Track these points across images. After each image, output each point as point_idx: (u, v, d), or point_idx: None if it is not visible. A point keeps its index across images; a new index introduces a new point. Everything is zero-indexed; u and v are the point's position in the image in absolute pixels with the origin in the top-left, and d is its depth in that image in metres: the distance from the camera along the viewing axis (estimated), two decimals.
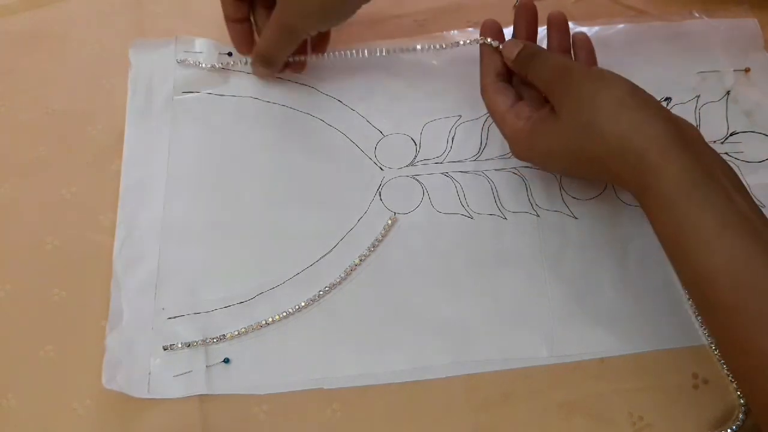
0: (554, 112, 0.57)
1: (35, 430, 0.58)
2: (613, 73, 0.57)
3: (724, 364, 0.58)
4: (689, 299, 0.60)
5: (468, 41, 0.67)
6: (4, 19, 0.76)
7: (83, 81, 0.73)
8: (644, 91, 0.55)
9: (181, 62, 0.71)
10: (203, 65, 0.71)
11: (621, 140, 0.52)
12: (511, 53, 0.62)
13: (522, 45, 0.62)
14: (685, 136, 0.52)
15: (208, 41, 0.72)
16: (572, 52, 0.65)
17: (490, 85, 0.63)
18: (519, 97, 0.62)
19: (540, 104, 0.61)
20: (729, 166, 0.53)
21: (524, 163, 0.66)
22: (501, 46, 0.64)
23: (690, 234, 0.49)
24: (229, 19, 0.68)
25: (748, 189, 0.62)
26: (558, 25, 0.65)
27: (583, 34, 0.65)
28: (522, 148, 0.61)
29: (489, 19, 0.65)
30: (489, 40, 0.64)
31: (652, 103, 0.54)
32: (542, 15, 0.69)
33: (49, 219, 0.65)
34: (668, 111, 0.54)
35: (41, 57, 0.74)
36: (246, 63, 0.71)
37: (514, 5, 0.71)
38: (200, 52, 0.72)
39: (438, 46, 0.69)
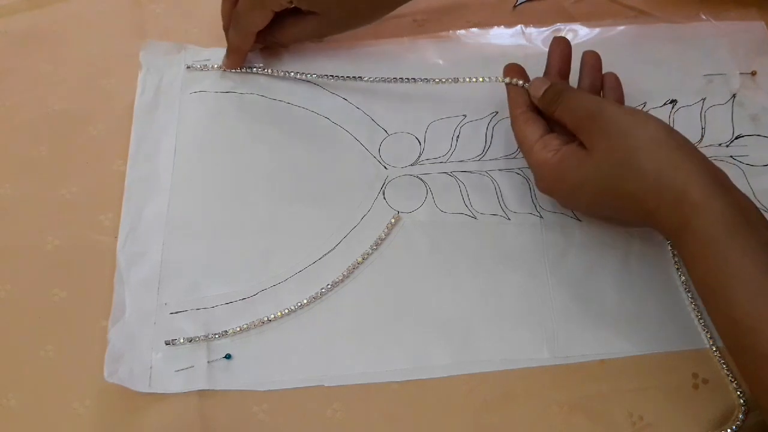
0: (584, 147, 0.60)
1: (35, 430, 0.60)
2: (647, 113, 0.59)
3: (724, 364, 0.61)
4: (711, 338, 0.62)
5: (490, 79, 0.69)
6: (4, 19, 0.80)
7: (83, 81, 0.76)
8: (679, 133, 0.57)
9: (190, 67, 0.76)
10: (211, 67, 0.76)
11: (659, 177, 0.55)
12: (538, 91, 0.64)
13: (549, 83, 0.64)
14: (721, 179, 0.55)
15: (215, 50, 0.77)
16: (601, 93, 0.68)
17: (520, 115, 0.65)
18: (550, 129, 0.64)
19: (570, 137, 0.63)
20: (760, 210, 0.55)
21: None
22: (528, 84, 0.66)
23: (731, 277, 0.51)
24: (235, 51, 0.74)
25: (753, 194, 0.66)
26: (591, 66, 0.68)
27: (613, 75, 0.68)
28: (549, 180, 0.63)
29: (511, 64, 0.68)
30: (514, 80, 0.67)
31: (689, 144, 0.57)
32: (543, 15, 0.73)
33: (49, 219, 0.68)
34: (703, 153, 0.57)
35: (41, 57, 0.78)
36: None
37: (515, 6, 0.75)
38: (208, 59, 0.76)
39: (458, 80, 0.71)
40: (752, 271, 0.51)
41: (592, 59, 0.68)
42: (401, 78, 0.72)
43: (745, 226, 0.52)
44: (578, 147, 0.61)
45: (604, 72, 0.68)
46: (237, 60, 0.74)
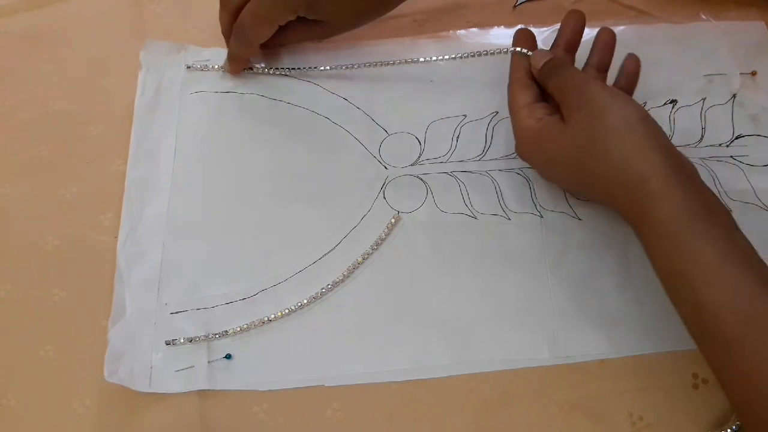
0: (563, 120, 0.61)
1: (35, 430, 0.61)
2: (629, 97, 0.61)
3: None
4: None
5: (499, 51, 0.70)
6: (4, 19, 0.80)
7: (83, 81, 0.77)
8: (654, 121, 0.59)
9: (190, 67, 0.76)
10: (211, 68, 0.76)
11: (623, 163, 0.56)
12: (539, 63, 0.66)
13: (551, 56, 0.66)
14: (686, 171, 0.56)
15: (215, 50, 0.77)
16: (614, 76, 0.68)
17: (518, 79, 0.67)
18: (543, 100, 0.66)
19: (558, 110, 0.64)
20: (724, 205, 0.56)
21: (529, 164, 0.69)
22: (532, 54, 0.67)
23: (691, 265, 0.53)
24: (237, 60, 0.75)
25: (754, 193, 0.67)
26: (604, 43, 0.68)
27: (634, 61, 0.67)
28: (526, 147, 0.65)
29: (523, 28, 0.69)
30: (520, 49, 0.68)
31: (660, 134, 0.58)
32: (543, 15, 0.73)
33: (49, 219, 0.69)
34: (672, 145, 0.58)
35: (41, 57, 0.78)
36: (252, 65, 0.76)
37: (515, 6, 0.75)
38: (208, 60, 0.77)
39: (467, 55, 0.72)
40: (710, 259, 0.52)
41: (606, 36, 0.68)
42: (405, 60, 0.73)
43: (705, 216, 0.54)
44: (558, 120, 0.62)
45: (628, 53, 0.68)
46: (239, 67, 0.75)
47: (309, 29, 0.72)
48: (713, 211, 0.54)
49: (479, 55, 0.71)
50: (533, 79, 0.67)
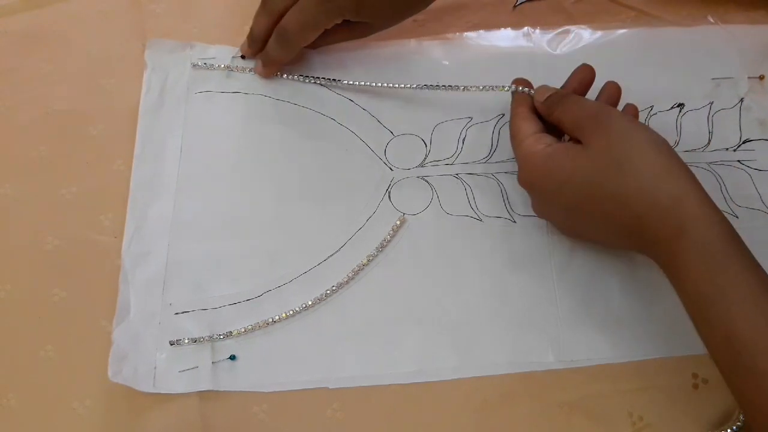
0: (580, 143, 0.62)
1: (35, 430, 0.62)
2: (644, 124, 0.62)
3: None
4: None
5: (501, 88, 0.71)
6: (4, 19, 0.81)
7: (83, 81, 0.78)
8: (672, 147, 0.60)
9: (195, 65, 0.77)
10: (217, 67, 0.77)
11: (656, 181, 0.56)
12: (542, 96, 0.66)
13: (555, 89, 0.67)
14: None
15: (221, 47, 0.78)
16: None
17: (519, 114, 0.67)
18: (545, 131, 0.66)
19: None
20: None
21: None
22: (533, 91, 0.68)
23: (729, 288, 0.52)
24: (275, 63, 0.76)
25: (760, 198, 0.68)
26: (609, 95, 0.68)
27: (634, 107, 0.68)
28: (533, 172, 0.64)
29: (519, 78, 0.70)
30: (521, 88, 0.69)
31: (680, 158, 0.58)
32: (543, 15, 0.74)
33: (49, 219, 0.70)
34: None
35: (41, 57, 0.79)
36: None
37: (514, 6, 0.77)
38: (213, 58, 0.78)
39: (469, 88, 0.73)
40: (747, 287, 0.52)
41: (612, 89, 0.68)
42: (409, 85, 0.74)
43: (738, 240, 0.54)
44: (573, 143, 0.63)
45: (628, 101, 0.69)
46: (274, 71, 0.76)
47: (350, 31, 0.74)
48: (737, 235, 0.55)
49: (480, 89, 0.72)
50: (535, 113, 0.68)
